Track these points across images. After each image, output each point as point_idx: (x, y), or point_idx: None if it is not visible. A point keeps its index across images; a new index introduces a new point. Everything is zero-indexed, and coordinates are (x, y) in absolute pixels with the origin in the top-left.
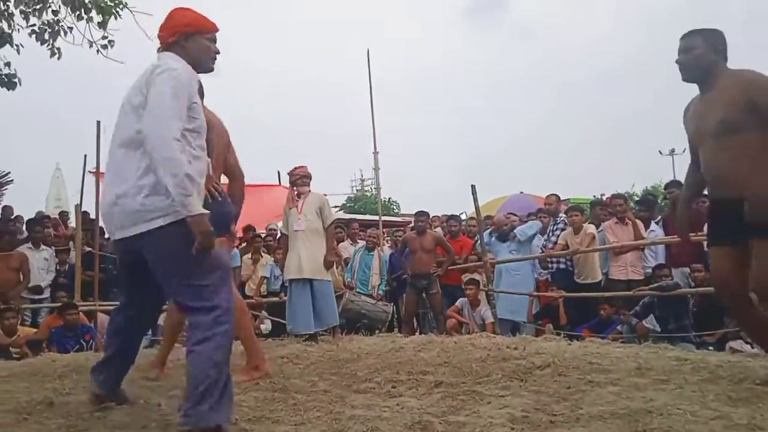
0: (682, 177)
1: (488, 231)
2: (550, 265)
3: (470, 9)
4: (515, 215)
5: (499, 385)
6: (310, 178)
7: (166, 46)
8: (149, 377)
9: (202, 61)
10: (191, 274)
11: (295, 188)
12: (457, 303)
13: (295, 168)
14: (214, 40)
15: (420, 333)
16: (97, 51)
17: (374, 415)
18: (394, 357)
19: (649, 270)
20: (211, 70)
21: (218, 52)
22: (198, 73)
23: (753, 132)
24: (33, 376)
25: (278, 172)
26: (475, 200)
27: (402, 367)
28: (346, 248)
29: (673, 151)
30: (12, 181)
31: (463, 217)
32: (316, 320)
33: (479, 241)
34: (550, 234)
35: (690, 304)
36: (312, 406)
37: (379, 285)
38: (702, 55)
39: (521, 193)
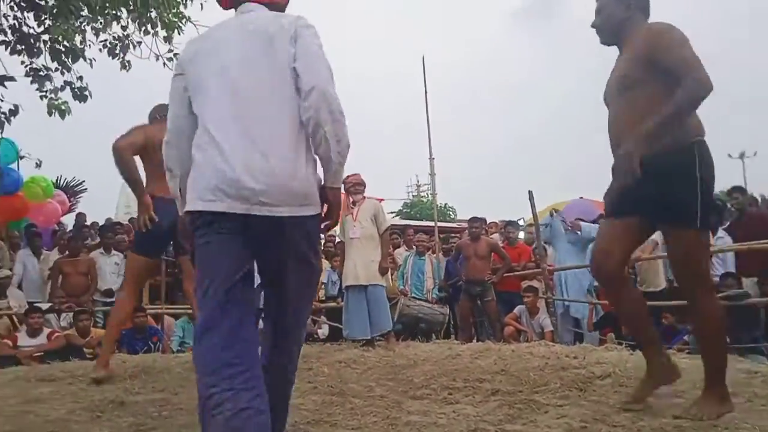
0: (751, 181)
1: (546, 225)
2: None
3: (521, 10)
4: (583, 220)
5: (558, 394)
6: (364, 186)
7: (274, 5)
8: (98, 378)
9: None
10: (313, 277)
11: (349, 196)
12: (515, 310)
13: (348, 176)
14: None
15: (477, 340)
16: (164, 64)
17: (430, 421)
18: (451, 364)
19: (717, 278)
20: None
21: None
22: None
23: (655, 88)
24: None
25: None
26: (533, 206)
27: (458, 374)
28: (401, 254)
29: (743, 154)
30: (86, 189)
31: (521, 223)
32: (372, 326)
33: (537, 248)
34: None
35: (761, 315)
36: (369, 411)
37: (433, 289)
38: (613, 13)
39: (581, 198)
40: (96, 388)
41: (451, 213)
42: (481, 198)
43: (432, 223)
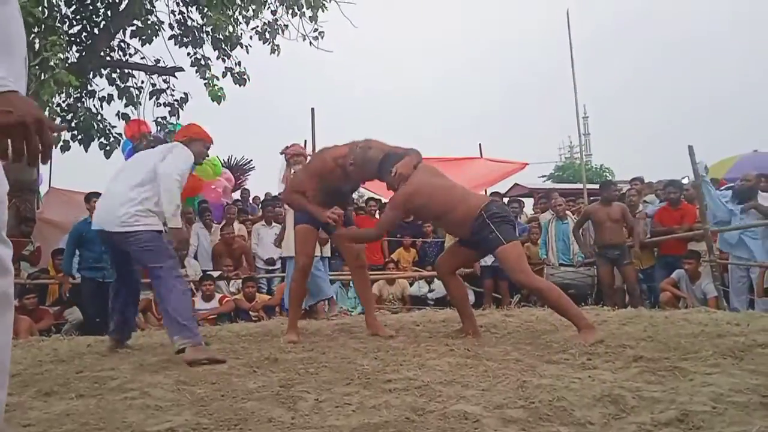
0: None
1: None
2: None
3: None
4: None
5: (708, 362)
6: (305, 157)
7: None
8: (292, 341)
9: None
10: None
11: (290, 167)
12: (674, 275)
13: (287, 147)
14: None
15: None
16: (309, 43)
17: (562, 385)
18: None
19: None
20: None
21: None
22: None
23: None
24: (265, 336)
25: (479, 145)
26: (693, 162)
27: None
28: (546, 219)
29: None
30: (254, 168)
31: (685, 181)
32: (309, 296)
33: (700, 208)
34: None
35: None
36: (501, 374)
37: (578, 253)
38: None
39: (755, 151)
40: (254, 347)
41: (608, 174)
42: (642, 157)
43: (581, 186)
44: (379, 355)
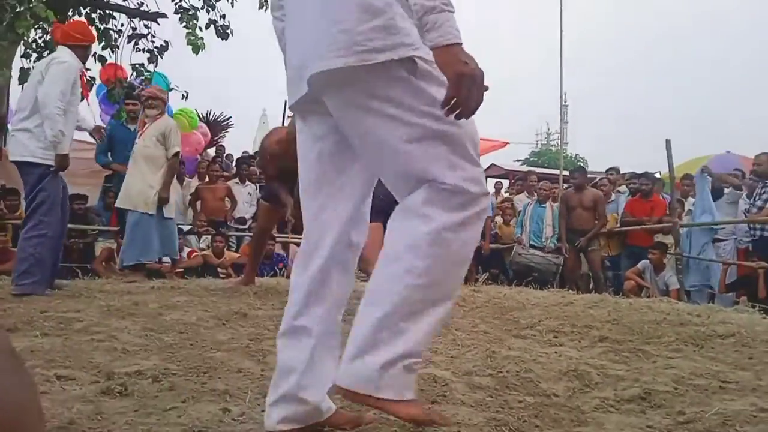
0: None
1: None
2: (753, 233)
3: None
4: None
5: (671, 347)
6: (164, 102)
7: None
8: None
9: None
10: None
11: (144, 111)
12: (639, 265)
13: (144, 89)
14: None
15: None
16: None
17: (530, 358)
18: (561, 310)
19: None
20: None
21: None
22: None
23: None
24: (234, 292)
25: None
26: (669, 156)
27: (567, 320)
28: (522, 201)
29: None
30: (233, 125)
31: (658, 176)
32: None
33: (672, 201)
34: (756, 197)
35: None
36: (470, 344)
37: (552, 237)
38: None
39: (727, 152)
40: (223, 301)
41: (581, 164)
42: (615, 150)
43: (557, 171)
44: (348, 319)
